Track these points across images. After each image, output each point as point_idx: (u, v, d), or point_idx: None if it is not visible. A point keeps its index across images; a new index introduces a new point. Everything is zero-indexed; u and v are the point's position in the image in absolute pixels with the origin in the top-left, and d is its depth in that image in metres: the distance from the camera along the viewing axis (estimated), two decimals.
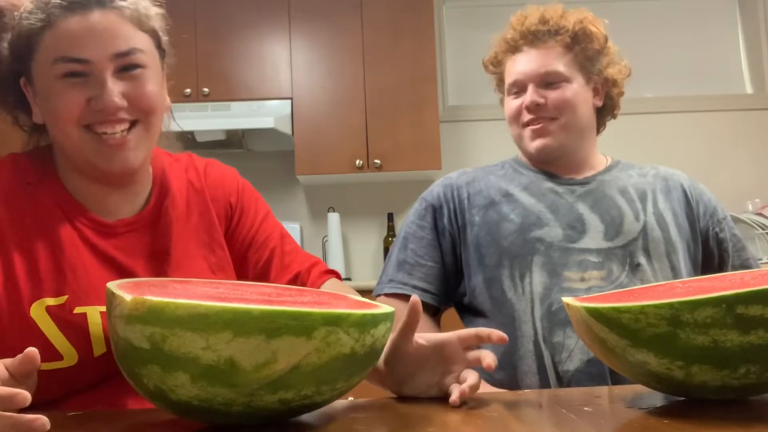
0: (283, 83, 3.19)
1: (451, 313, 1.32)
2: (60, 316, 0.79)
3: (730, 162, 3.53)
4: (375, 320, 0.60)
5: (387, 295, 1.24)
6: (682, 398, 0.68)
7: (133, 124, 0.83)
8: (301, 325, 0.54)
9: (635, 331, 0.61)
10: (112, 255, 0.86)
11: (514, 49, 1.28)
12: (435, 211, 1.27)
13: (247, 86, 3.16)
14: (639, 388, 0.76)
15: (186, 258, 0.90)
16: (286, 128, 3.15)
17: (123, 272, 0.85)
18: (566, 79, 1.24)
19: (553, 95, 1.23)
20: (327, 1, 3.23)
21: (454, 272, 1.26)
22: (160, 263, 0.89)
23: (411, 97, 3.18)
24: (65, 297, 0.80)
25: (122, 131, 0.82)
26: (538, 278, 1.14)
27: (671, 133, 3.55)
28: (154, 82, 0.85)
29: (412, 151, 3.15)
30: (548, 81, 1.24)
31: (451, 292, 1.27)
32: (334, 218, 3.31)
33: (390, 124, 3.18)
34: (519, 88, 1.26)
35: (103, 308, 0.80)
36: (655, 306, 0.59)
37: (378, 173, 3.19)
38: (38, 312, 0.78)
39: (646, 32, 3.63)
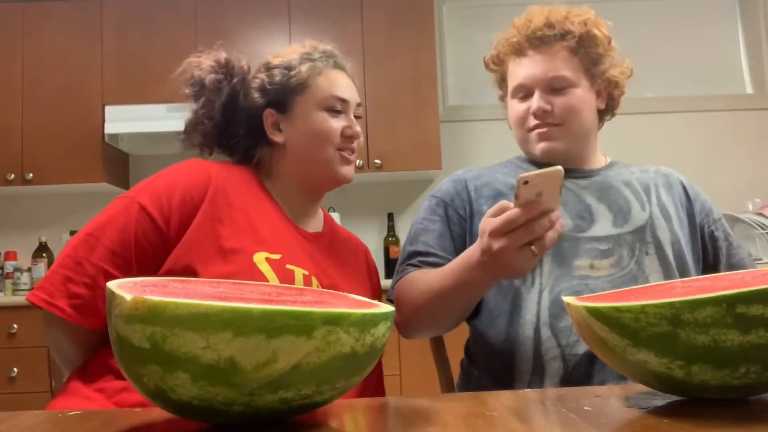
0: None
1: None
2: (276, 266, 1.04)
3: (730, 162, 3.53)
4: (375, 320, 0.60)
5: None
6: (682, 398, 0.68)
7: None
8: (301, 325, 0.54)
9: (635, 330, 0.60)
10: (307, 242, 1.17)
11: (518, 52, 1.28)
12: (446, 204, 1.29)
13: None
14: (639, 387, 0.76)
15: (342, 275, 1.19)
16: None
17: (312, 260, 1.14)
18: (572, 84, 1.24)
19: (559, 101, 1.24)
20: (327, 1, 3.23)
21: None
22: (328, 268, 1.17)
23: (411, 97, 3.18)
24: (280, 255, 1.06)
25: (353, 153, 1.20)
26: (547, 268, 1.16)
27: (671, 133, 3.55)
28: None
29: (412, 151, 3.15)
30: (554, 86, 1.24)
31: None
32: (334, 218, 3.31)
33: (390, 124, 3.18)
34: (525, 92, 1.27)
35: (306, 272, 1.08)
36: (656, 305, 0.59)
37: (378, 173, 3.19)
38: (259, 259, 1.03)
39: (647, 32, 3.63)
